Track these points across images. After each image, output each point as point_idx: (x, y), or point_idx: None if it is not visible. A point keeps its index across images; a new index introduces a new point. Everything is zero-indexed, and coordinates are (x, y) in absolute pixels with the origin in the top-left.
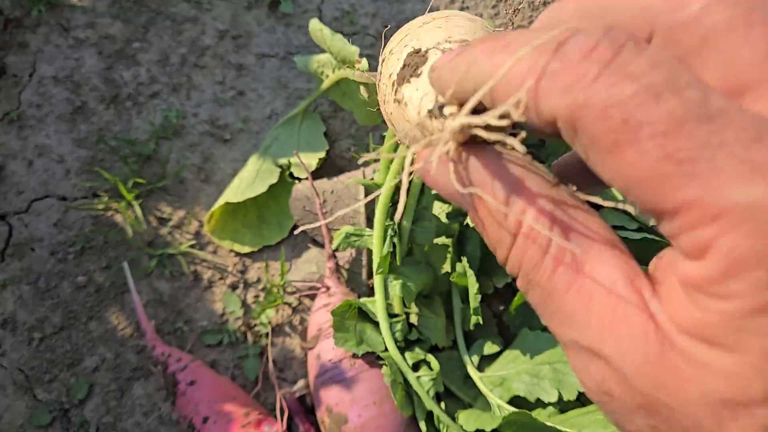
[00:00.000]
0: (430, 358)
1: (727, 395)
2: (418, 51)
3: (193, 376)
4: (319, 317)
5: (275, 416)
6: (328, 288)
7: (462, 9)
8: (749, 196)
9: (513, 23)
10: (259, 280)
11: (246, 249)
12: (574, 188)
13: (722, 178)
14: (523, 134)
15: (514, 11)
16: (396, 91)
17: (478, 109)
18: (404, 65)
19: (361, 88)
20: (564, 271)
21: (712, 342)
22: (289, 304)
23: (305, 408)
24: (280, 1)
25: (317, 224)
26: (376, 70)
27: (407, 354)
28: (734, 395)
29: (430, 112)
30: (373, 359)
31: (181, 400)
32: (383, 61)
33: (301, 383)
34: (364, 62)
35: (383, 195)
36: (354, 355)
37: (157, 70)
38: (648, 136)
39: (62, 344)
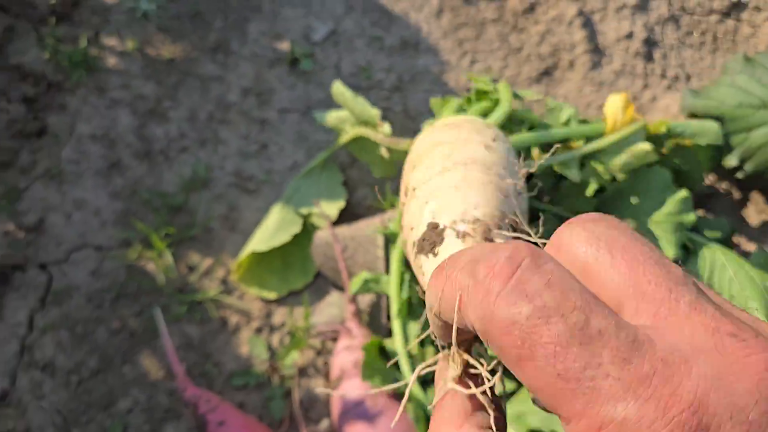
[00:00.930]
0: None
1: None
2: (435, 227)
3: (223, 417)
4: (342, 359)
5: None
6: (349, 330)
7: (472, 63)
8: (621, 413)
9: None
10: (283, 324)
11: (272, 295)
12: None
13: (601, 396)
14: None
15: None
16: (416, 256)
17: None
18: (423, 238)
19: (382, 149)
20: None
21: None
22: (313, 347)
23: None
24: (299, 60)
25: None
26: (395, 135)
27: (429, 390)
28: None
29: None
30: (394, 397)
31: None
32: (405, 194)
33: (325, 423)
34: (387, 127)
35: (398, 246)
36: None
37: (186, 127)
38: (542, 356)
39: (98, 387)
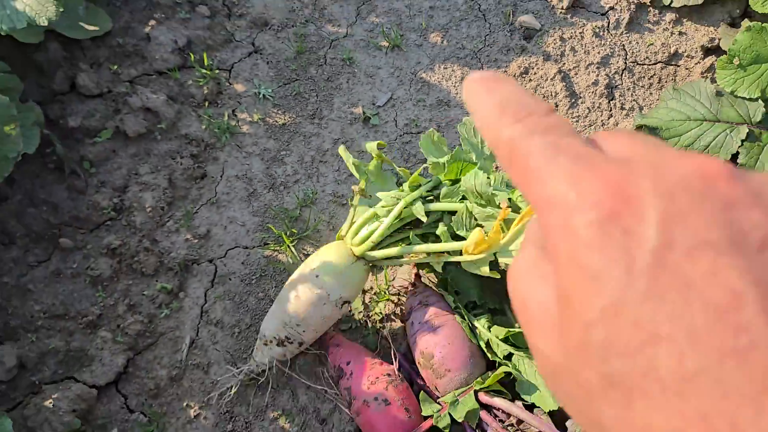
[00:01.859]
0: (485, 316)
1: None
2: None
3: (338, 342)
4: (411, 302)
5: (390, 362)
6: (415, 286)
7: None
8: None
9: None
10: (371, 287)
11: None
12: None
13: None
14: None
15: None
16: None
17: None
18: None
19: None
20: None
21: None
22: (392, 301)
23: (408, 360)
24: (369, 118)
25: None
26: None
27: (473, 312)
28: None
29: None
30: (448, 317)
31: (332, 357)
32: None
33: (404, 347)
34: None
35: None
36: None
37: (297, 167)
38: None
39: (252, 335)
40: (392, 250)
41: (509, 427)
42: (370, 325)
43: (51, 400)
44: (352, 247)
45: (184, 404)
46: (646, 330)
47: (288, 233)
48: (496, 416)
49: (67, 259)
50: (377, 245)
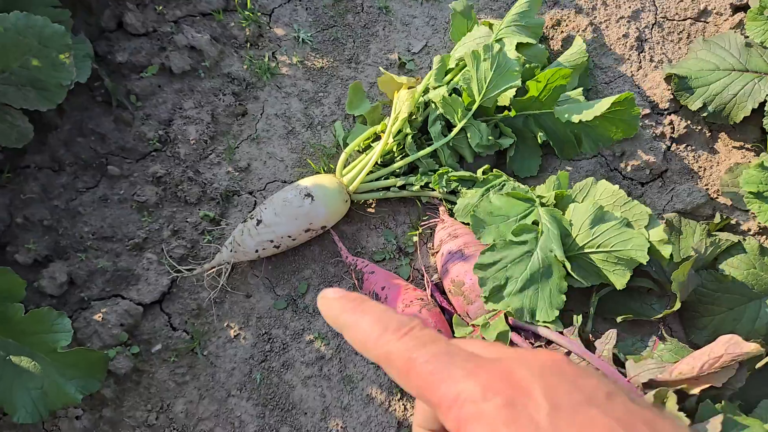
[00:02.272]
0: None
1: None
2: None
3: (373, 269)
4: (441, 234)
5: (423, 289)
6: (444, 220)
7: None
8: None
9: None
10: (404, 222)
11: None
12: None
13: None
14: None
15: None
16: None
17: None
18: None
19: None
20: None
21: None
22: (423, 234)
23: (439, 290)
24: (405, 63)
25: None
26: None
27: None
28: None
29: None
30: (478, 247)
31: (366, 283)
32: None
33: (435, 276)
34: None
35: None
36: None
37: (334, 108)
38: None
39: (289, 263)
40: (375, 184)
41: (539, 348)
42: (403, 257)
43: (100, 314)
44: (341, 178)
45: (225, 324)
46: None
47: (326, 169)
48: (526, 338)
49: (114, 186)
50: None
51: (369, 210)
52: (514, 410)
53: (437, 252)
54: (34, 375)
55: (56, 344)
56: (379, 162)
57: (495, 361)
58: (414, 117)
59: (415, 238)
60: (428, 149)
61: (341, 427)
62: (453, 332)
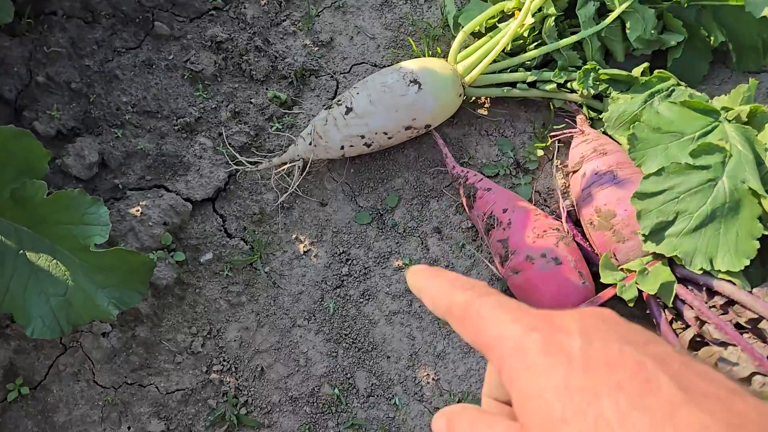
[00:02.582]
0: None
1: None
2: None
3: (489, 185)
4: (581, 149)
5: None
6: (583, 131)
7: None
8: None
9: None
10: (525, 130)
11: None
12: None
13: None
14: None
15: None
16: None
17: None
18: None
19: None
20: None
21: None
22: (548, 147)
23: (571, 219)
24: None
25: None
26: None
27: None
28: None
29: None
30: (637, 169)
31: (480, 203)
32: None
33: (567, 202)
34: None
35: None
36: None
37: None
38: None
39: (376, 167)
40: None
41: (713, 309)
42: (521, 174)
43: (138, 208)
44: (455, 65)
45: (293, 236)
46: (589, 392)
47: (430, 53)
48: (696, 293)
49: (161, 49)
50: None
51: (480, 111)
52: (550, 344)
53: (574, 171)
54: (55, 278)
55: (88, 240)
56: (505, 50)
57: (541, 310)
58: None
59: (540, 152)
60: (572, 38)
61: (433, 379)
62: (598, 276)
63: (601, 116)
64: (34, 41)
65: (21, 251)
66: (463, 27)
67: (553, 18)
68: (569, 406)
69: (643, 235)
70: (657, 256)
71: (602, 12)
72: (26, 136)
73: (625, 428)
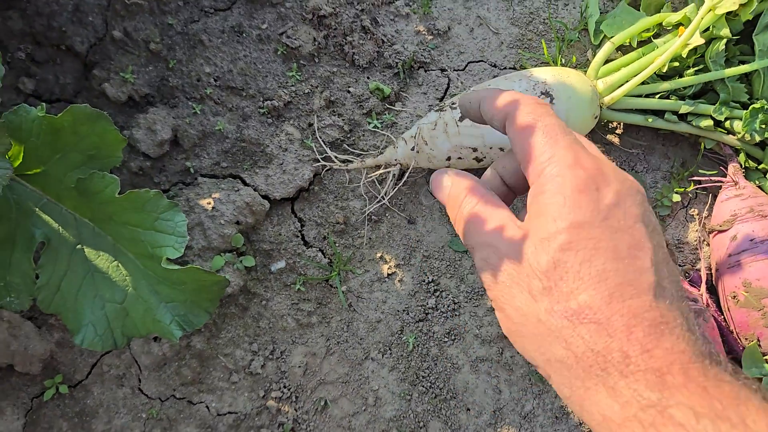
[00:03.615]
0: None
1: (541, 236)
2: None
3: None
4: (733, 205)
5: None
6: (736, 183)
7: None
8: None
9: None
10: (658, 168)
11: None
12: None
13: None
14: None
15: None
16: None
17: None
18: None
19: None
20: (481, 212)
21: (537, 216)
22: (686, 191)
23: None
24: None
25: None
26: None
27: None
28: (543, 235)
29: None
30: None
31: None
32: None
33: (703, 265)
34: None
35: None
36: None
37: None
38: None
39: None
40: (644, 102)
41: None
42: None
43: (210, 200)
44: (596, 81)
45: (378, 255)
46: (593, 243)
47: (563, 60)
48: None
49: (255, 15)
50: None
51: (611, 137)
52: (589, 186)
53: (721, 231)
54: (114, 282)
55: (158, 250)
56: (657, 71)
57: (595, 156)
58: (736, 14)
59: (677, 197)
60: (742, 68)
61: None
62: (739, 365)
63: (759, 167)
64: None
65: (79, 245)
66: (606, 35)
67: (724, 41)
68: (573, 246)
69: None
70: None
71: None
72: (102, 119)
73: (591, 288)
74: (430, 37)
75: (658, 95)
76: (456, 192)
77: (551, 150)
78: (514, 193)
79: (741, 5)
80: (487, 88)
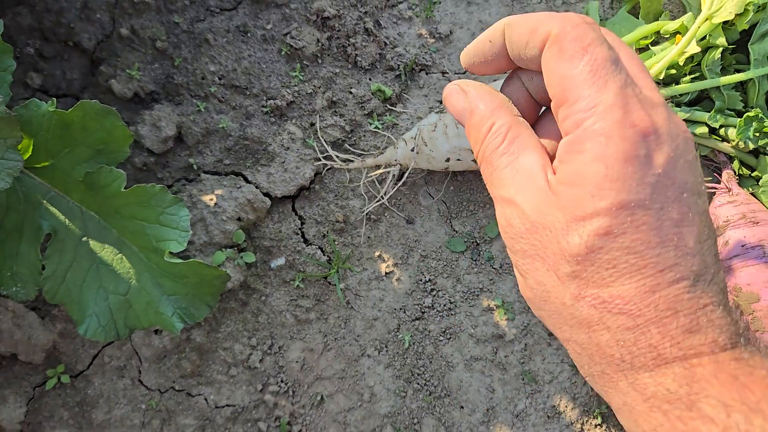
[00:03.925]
0: None
1: (576, 213)
2: None
3: None
4: (726, 211)
5: None
6: (729, 189)
7: None
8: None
9: None
10: None
11: None
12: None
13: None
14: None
15: None
16: None
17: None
18: None
19: None
20: (507, 157)
21: (571, 183)
22: None
23: None
24: None
25: None
26: None
27: None
28: (578, 212)
29: None
30: None
31: None
32: None
33: None
34: None
35: None
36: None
37: None
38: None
39: (479, 189)
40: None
41: None
42: None
43: (213, 197)
44: None
45: (376, 254)
46: (636, 223)
47: None
48: None
49: (260, 15)
50: None
51: None
52: (638, 148)
53: (718, 235)
54: (118, 274)
55: (161, 244)
56: (654, 79)
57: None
58: (732, 23)
59: None
60: (737, 76)
61: None
62: None
63: (753, 175)
64: None
65: (84, 238)
66: None
67: (720, 50)
68: (612, 231)
69: None
70: None
71: None
72: (110, 115)
73: (626, 278)
74: (432, 40)
75: None
76: (480, 117)
77: (597, 95)
78: (540, 106)
79: (737, 15)
80: (511, 16)
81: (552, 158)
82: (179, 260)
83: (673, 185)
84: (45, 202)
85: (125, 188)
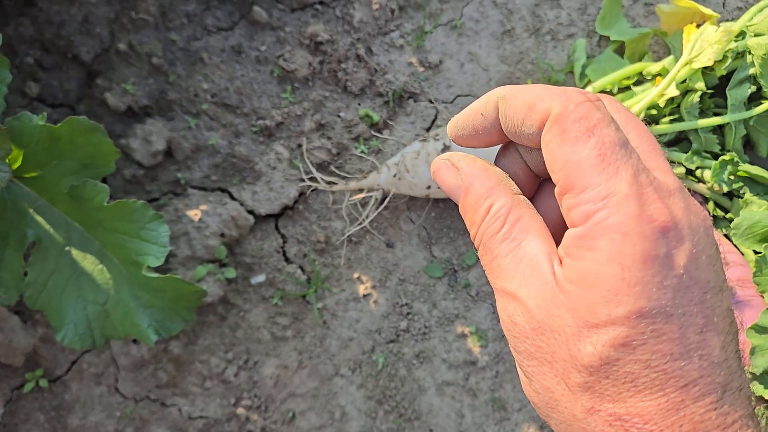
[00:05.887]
0: None
1: (588, 319)
2: None
3: None
4: None
5: None
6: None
7: None
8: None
9: None
10: None
11: None
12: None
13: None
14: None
15: None
16: None
17: None
18: None
19: None
20: (508, 243)
21: (582, 283)
22: None
23: None
24: None
25: None
26: None
27: None
28: (591, 319)
29: None
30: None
31: None
32: None
33: None
34: None
35: None
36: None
37: (575, 16)
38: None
39: (458, 216)
40: None
41: None
42: None
43: (198, 212)
44: None
45: (355, 275)
46: (656, 332)
47: None
48: None
49: (254, 37)
50: None
51: None
52: (657, 248)
53: None
54: (98, 284)
55: (141, 258)
56: None
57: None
58: (711, 69)
59: None
60: (715, 120)
61: None
62: None
63: (726, 216)
64: (123, 3)
65: (68, 247)
66: (590, 79)
67: (699, 94)
68: (630, 343)
69: (752, 374)
70: (762, 401)
71: (755, 98)
72: (97, 132)
73: (646, 394)
74: (422, 69)
75: None
76: (476, 197)
77: (608, 184)
78: (539, 178)
79: (716, 61)
80: (503, 87)
81: (555, 237)
82: (157, 275)
83: (695, 285)
84: (31, 210)
85: (110, 200)
